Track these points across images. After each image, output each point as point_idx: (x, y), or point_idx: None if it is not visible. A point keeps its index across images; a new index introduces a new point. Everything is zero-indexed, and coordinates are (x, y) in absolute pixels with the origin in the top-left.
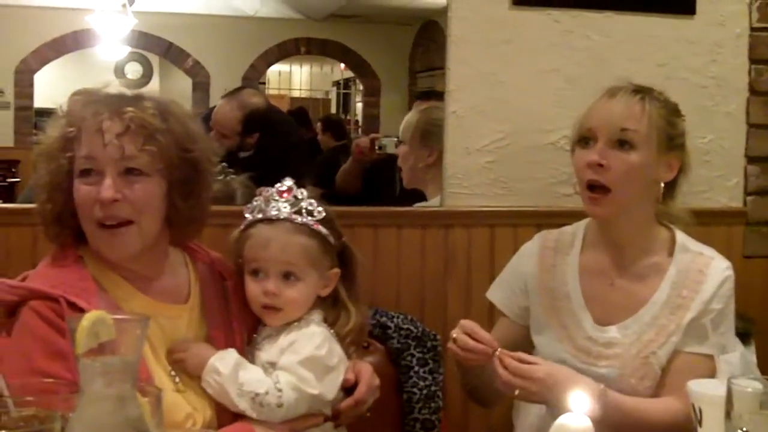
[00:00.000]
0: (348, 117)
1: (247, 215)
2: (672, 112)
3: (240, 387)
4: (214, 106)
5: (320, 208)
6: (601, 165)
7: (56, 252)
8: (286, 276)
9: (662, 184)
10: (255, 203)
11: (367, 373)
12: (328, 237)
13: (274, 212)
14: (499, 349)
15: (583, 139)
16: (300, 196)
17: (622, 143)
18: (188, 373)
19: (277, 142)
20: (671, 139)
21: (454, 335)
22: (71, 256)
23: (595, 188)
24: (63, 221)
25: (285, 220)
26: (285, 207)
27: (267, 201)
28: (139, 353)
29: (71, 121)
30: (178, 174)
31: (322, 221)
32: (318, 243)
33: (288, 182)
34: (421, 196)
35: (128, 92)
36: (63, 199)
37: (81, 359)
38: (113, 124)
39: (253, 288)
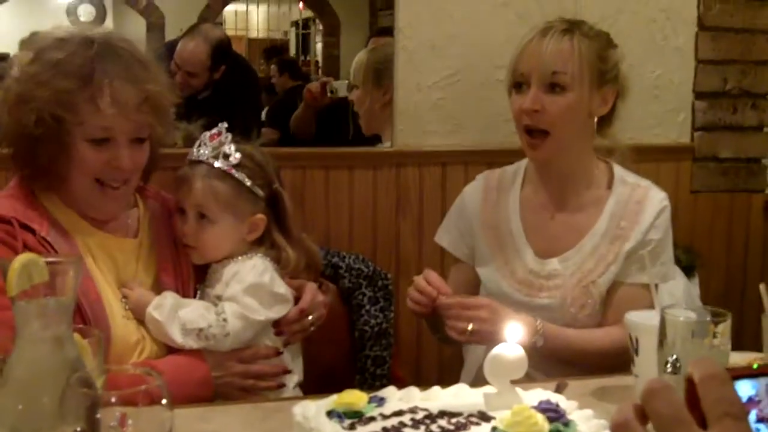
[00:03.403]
0: (308, 58)
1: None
2: (603, 45)
3: (183, 326)
4: (171, 42)
5: (237, 153)
6: (536, 110)
7: (9, 187)
8: (202, 217)
9: (596, 118)
10: (194, 146)
11: (311, 287)
12: (246, 182)
13: (195, 155)
14: (443, 296)
15: (517, 84)
16: (224, 140)
17: (554, 86)
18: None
19: (243, 75)
20: (603, 74)
21: (414, 278)
22: (24, 190)
23: (533, 132)
24: (34, 162)
25: (203, 162)
26: (207, 150)
27: (198, 144)
28: (74, 294)
29: (75, 74)
30: (161, 130)
31: (239, 166)
32: (231, 188)
33: (221, 126)
34: (375, 142)
35: (135, 54)
36: (52, 150)
37: (15, 301)
38: (132, 97)
39: (176, 226)
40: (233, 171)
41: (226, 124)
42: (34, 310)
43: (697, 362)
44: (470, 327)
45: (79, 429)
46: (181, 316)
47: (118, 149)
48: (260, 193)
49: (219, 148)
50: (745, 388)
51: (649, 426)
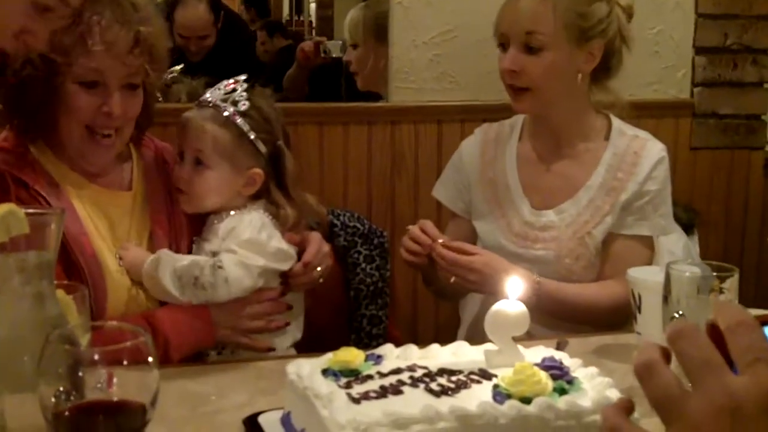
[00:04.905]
0: (301, 18)
1: None
2: (585, 2)
3: (179, 279)
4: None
5: (246, 102)
6: (514, 71)
7: (0, 139)
8: (198, 163)
9: (588, 72)
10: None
11: (315, 237)
12: (249, 133)
13: (204, 97)
14: (439, 241)
15: (500, 44)
16: (238, 89)
17: (530, 47)
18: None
19: (237, 30)
20: (585, 31)
21: (409, 227)
22: (17, 143)
23: (515, 87)
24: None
25: (210, 105)
26: (218, 94)
27: (212, 89)
28: (56, 249)
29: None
30: (154, 79)
31: (245, 116)
32: (233, 136)
33: (240, 77)
34: (369, 101)
35: None
36: (41, 93)
37: None
38: (123, 38)
39: (174, 171)
40: (237, 118)
41: (245, 76)
42: (13, 264)
43: (721, 308)
44: (453, 280)
45: (61, 389)
46: (177, 268)
47: (108, 94)
48: (262, 147)
49: (230, 94)
50: None
51: (673, 365)
